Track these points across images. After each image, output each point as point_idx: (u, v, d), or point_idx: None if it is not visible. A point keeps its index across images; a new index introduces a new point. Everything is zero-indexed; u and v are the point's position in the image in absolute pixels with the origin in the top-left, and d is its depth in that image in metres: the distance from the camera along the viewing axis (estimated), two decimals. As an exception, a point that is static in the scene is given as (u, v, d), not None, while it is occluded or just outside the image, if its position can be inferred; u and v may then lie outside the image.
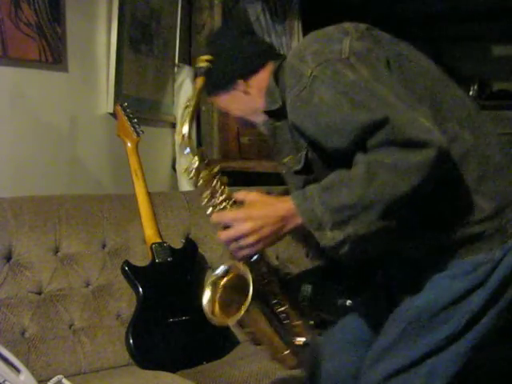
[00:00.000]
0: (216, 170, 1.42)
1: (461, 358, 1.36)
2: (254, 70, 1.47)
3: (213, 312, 1.38)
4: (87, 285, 1.98)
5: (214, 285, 1.40)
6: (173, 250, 2.09)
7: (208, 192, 1.40)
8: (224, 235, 1.29)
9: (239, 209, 1.33)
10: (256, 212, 1.28)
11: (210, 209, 1.40)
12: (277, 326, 1.42)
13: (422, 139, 1.16)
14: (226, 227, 1.29)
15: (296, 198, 1.27)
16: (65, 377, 1.46)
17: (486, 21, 4.30)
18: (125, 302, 2.01)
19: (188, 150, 1.42)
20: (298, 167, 1.42)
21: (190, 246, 2.15)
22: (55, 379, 1.44)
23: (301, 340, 1.45)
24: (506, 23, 4.27)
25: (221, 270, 1.41)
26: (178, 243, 2.13)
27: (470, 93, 4.85)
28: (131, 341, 1.91)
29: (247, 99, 1.48)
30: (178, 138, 1.46)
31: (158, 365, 1.88)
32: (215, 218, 1.34)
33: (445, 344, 1.35)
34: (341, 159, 1.27)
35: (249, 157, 3.01)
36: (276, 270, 1.47)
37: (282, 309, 1.45)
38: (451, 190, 1.29)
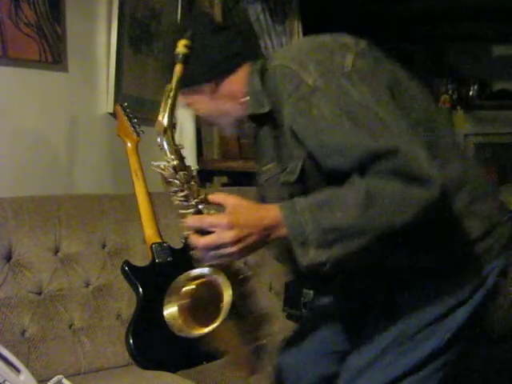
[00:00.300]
0: (194, 169, 1.31)
1: (439, 373, 1.36)
2: (226, 73, 1.37)
3: (182, 321, 1.28)
4: (87, 285, 1.98)
5: (181, 290, 1.30)
6: (173, 250, 2.08)
7: (184, 193, 1.28)
8: (204, 241, 1.18)
9: (223, 214, 1.20)
10: (241, 219, 1.17)
11: (186, 210, 1.28)
12: (241, 333, 1.35)
13: (426, 175, 1.14)
14: (203, 232, 1.19)
15: (285, 208, 1.19)
16: (65, 377, 1.46)
17: (485, 21, 4.29)
18: (125, 302, 2.01)
19: (166, 146, 1.28)
20: (292, 178, 1.33)
21: (190, 246, 2.15)
22: (55, 379, 1.44)
23: (261, 344, 1.40)
24: (506, 23, 4.27)
25: (198, 272, 1.30)
26: (178, 243, 2.13)
27: (470, 93, 4.86)
28: (131, 341, 1.91)
29: (216, 101, 1.39)
30: (156, 130, 1.29)
31: (157, 365, 1.88)
32: (193, 221, 1.23)
33: (426, 361, 1.34)
34: (338, 177, 1.21)
35: (249, 157, 3.00)
36: (238, 274, 1.38)
37: (245, 316, 1.38)
38: (444, 213, 1.28)
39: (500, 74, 4.87)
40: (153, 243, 2.06)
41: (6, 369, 1.34)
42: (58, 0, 2.23)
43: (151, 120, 2.63)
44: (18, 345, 1.76)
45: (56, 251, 1.95)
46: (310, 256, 1.17)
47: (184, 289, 1.30)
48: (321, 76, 1.22)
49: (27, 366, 1.52)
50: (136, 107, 2.40)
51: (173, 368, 1.88)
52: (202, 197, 1.28)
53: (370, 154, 1.15)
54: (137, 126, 2.18)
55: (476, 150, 5.08)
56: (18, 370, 1.37)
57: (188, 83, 1.34)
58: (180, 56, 1.28)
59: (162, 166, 1.27)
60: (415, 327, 1.33)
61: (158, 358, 1.92)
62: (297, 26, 3.44)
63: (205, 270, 1.28)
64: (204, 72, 1.36)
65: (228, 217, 1.18)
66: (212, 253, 1.19)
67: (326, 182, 1.26)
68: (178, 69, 1.28)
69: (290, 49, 1.42)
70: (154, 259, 2.04)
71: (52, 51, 2.22)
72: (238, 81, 1.37)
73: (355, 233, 1.15)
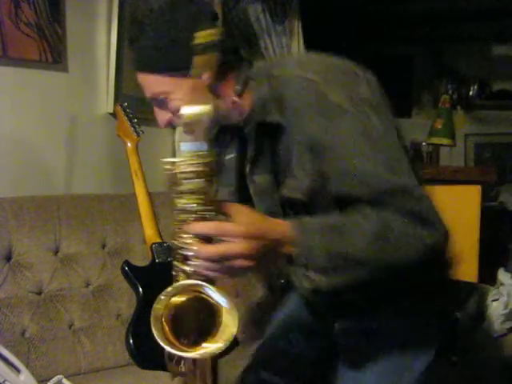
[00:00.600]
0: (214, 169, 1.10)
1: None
2: (229, 67, 1.24)
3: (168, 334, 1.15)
4: (87, 285, 1.98)
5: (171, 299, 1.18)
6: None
7: (201, 196, 1.08)
8: (217, 250, 1.05)
9: (238, 223, 1.07)
10: (258, 230, 1.07)
11: (191, 215, 1.08)
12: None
13: (433, 219, 1.14)
14: (207, 241, 1.07)
15: (294, 226, 1.11)
16: (65, 377, 1.47)
17: (485, 21, 4.30)
18: (125, 302, 2.01)
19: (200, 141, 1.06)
20: (295, 194, 1.25)
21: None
22: (55, 379, 1.45)
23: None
24: (506, 23, 4.28)
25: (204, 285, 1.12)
26: (178, 243, 2.13)
27: (470, 93, 4.87)
28: (131, 341, 1.91)
29: (209, 94, 1.20)
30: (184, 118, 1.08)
31: (158, 365, 1.88)
32: (204, 226, 1.07)
33: (421, 378, 1.32)
34: (343, 201, 1.19)
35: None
36: None
37: None
38: None
39: (500, 74, 4.88)
40: (153, 243, 2.06)
41: (6, 369, 1.35)
42: (58, 0, 2.23)
43: (151, 120, 2.66)
44: (18, 345, 1.76)
45: (56, 251, 1.95)
46: (308, 280, 1.12)
47: (175, 299, 1.20)
48: (343, 95, 1.17)
49: (27, 366, 1.52)
50: (136, 107, 2.40)
51: (173, 368, 1.88)
52: (214, 203, 1.09)
53: (389, 189, 1.14)
54: (137, 126, 2.18)
55: (476, 149, 5.08)
56: (18, 370, 1.37)
57: (178, 63, 1.22)
58: (201, 46, 1.12)
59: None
60: (403, 346, 1.31)
61: (158, 358, 1.91)
62: (297, 26, 3.44)
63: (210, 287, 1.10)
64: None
65: (245, 226, 1.06)
66: (217, 265, 1.06)
67: (334, 205, 1.22)
68: (212, 58, 1.13)
69: (307, 61, 1.30)
70: (154, 259, 2.04)
71: (52, 51, 2.22)
72: (232, 78, 1.26)
73: (360, 263, 1.12)
